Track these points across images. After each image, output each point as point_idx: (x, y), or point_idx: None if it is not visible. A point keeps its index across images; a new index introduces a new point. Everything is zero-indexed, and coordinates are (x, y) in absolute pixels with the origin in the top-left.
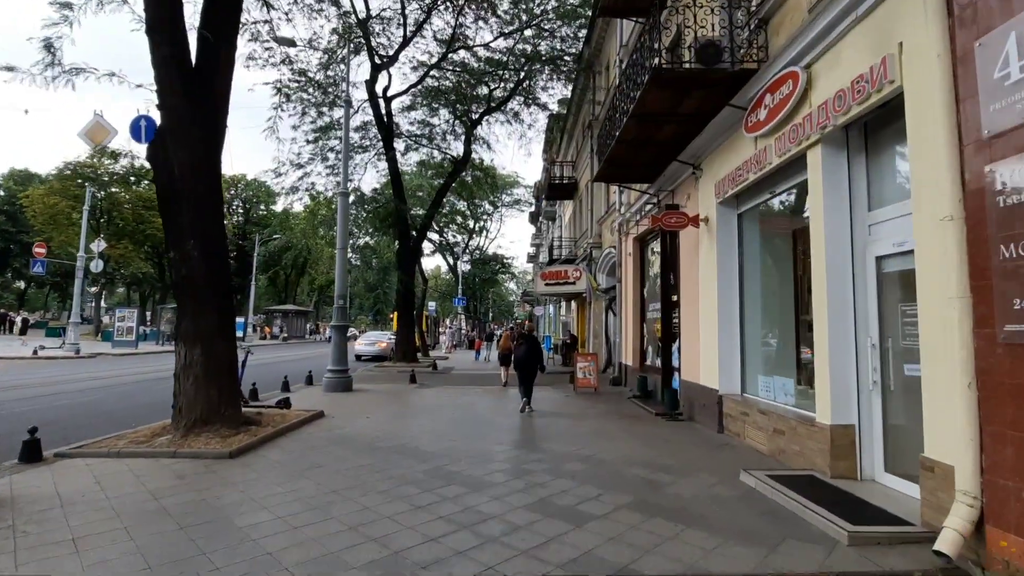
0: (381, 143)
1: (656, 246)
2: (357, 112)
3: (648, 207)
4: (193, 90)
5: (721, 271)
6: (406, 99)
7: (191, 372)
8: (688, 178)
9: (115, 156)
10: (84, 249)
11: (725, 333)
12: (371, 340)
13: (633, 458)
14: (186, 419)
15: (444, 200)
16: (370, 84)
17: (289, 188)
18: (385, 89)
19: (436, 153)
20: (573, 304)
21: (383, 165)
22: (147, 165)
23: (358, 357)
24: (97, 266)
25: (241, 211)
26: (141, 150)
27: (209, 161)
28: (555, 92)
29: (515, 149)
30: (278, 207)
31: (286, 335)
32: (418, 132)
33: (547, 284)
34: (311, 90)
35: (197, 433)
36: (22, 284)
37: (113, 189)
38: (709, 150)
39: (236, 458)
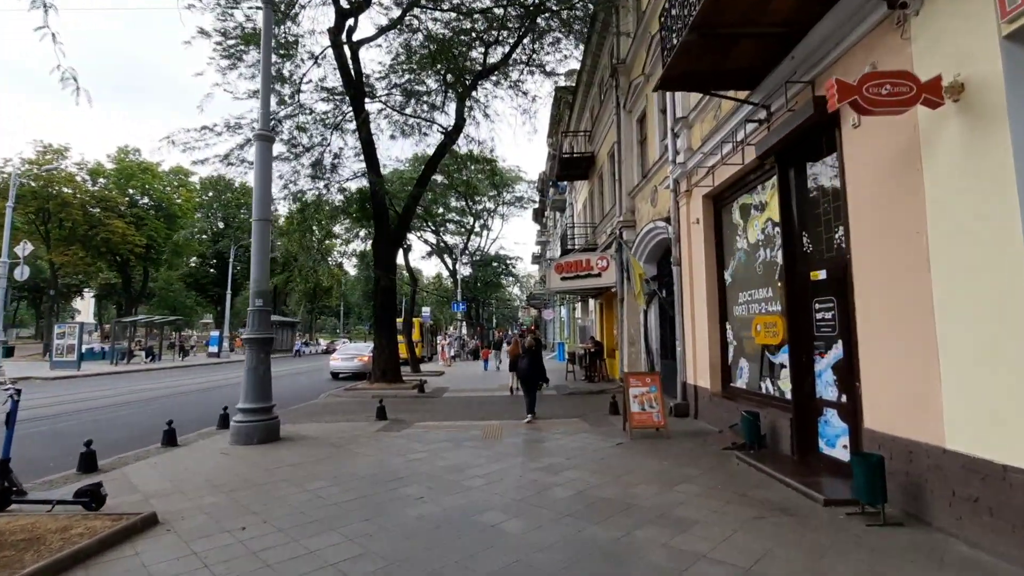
0: (350, 107)
1: (757, 196)
2: (318, 65)
3: (729, 145)
4: None
5: None
6: (382, 57)
7: None
8: (874, 31)
9: (60, 153)
10: (8, 254)
11: None
12: (349, 354)
13: None
14: None
15: (442, 200)
16: (334, 32)
17: (221, 158)
18: (350, 30)
19: (422, 128)
20: (592, 303)
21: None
22: (102, 161)
23: (334, 375)
24: (22, 273)
25: (220, 216)
26: (88, 148)
27: None
28: (566, 53)
29: (517, 126)
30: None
31: (299, 347)
32: (398, 95)
33: (563, 278)
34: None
35: None
36: None
37: (66, 189)
38: None
39: None
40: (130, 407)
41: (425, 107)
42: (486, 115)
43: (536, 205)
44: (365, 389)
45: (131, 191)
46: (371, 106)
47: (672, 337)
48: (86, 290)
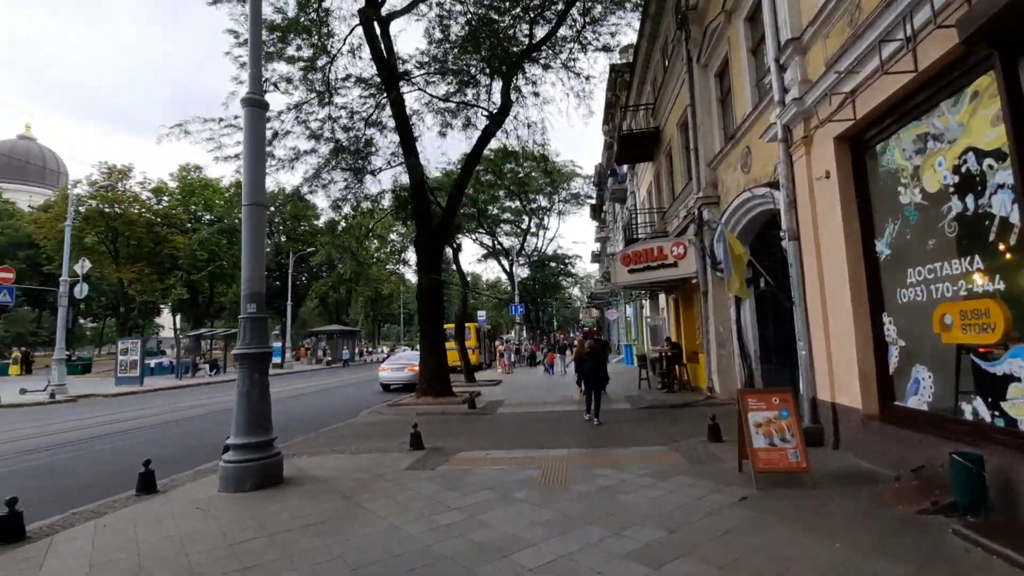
0: (384, 95)
1: (942, 118)
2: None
3: (877, 61)
4: None
5: None
6: (419, 41)
7: None
8: None
9: (124, 173)
10: (68, 272)
11: None
12: (399, 364)
13: None
14: None
15: (494, 198)
16: (365, 11)
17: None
18: (379, 4)
19: (466, 115)
20: (663, 299)
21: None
22: (165, 180)
23: (384, 387)
24: (81, 291)
25: (282, 229)
26: (152, 167)
27: None
28: (619, 24)
29: (571, 109)
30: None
31: (329, 359)
32: (438, 83)
33: (631, 271)
34: None
35: None
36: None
37: (134, 208)
38: None
39: None
40: (164, 428)
41: (468, 92)
42: (535, 94)
43: (593, 201)
44: (409, 404)
45: (193, 207)
46: (410, 96)
47: (776, 336)
48: (162, 306)
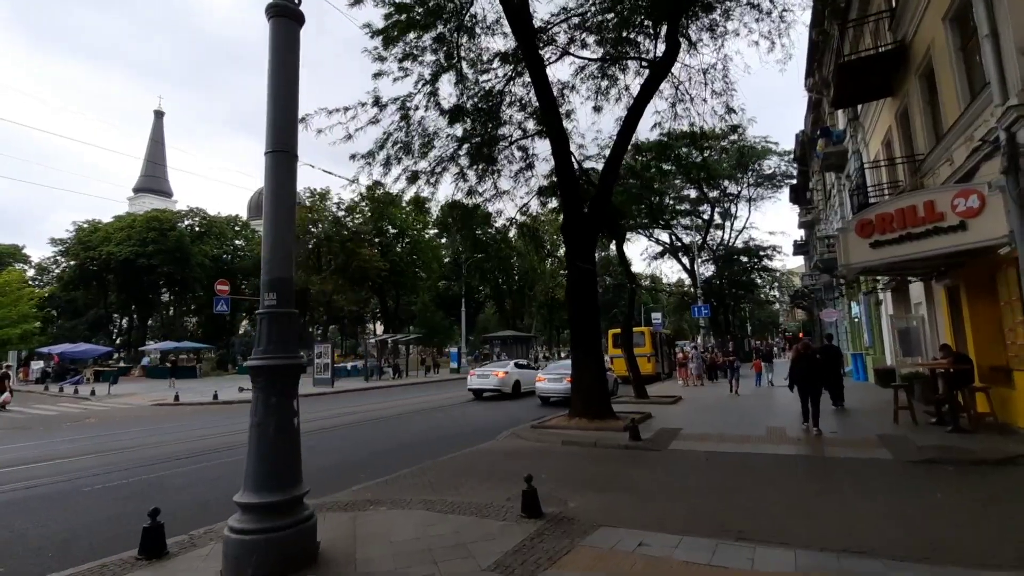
0: (523, 62)
1: None
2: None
3: None
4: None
5: None
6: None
7: None
8: None
9: (323, 197)
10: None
11: None
12: (557, 373)
13: None
14: None
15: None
16: None
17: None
18: None
19: (623, 76)
20: (918, 291)
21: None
22: (356, 199)
23: (544, 400)
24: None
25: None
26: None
27: None
28: None
29: (762, 54)
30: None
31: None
32: (587, 40)
33: (875, 243)
34: None
35: None
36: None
37: (334, 228)
38: None
39: None
40: (322, 435)
41: (625, 47)
42: (711, 30)
43: (794, 181)
44: (556, 428)
45: (380, 224)
46: (556, 67)
47: None
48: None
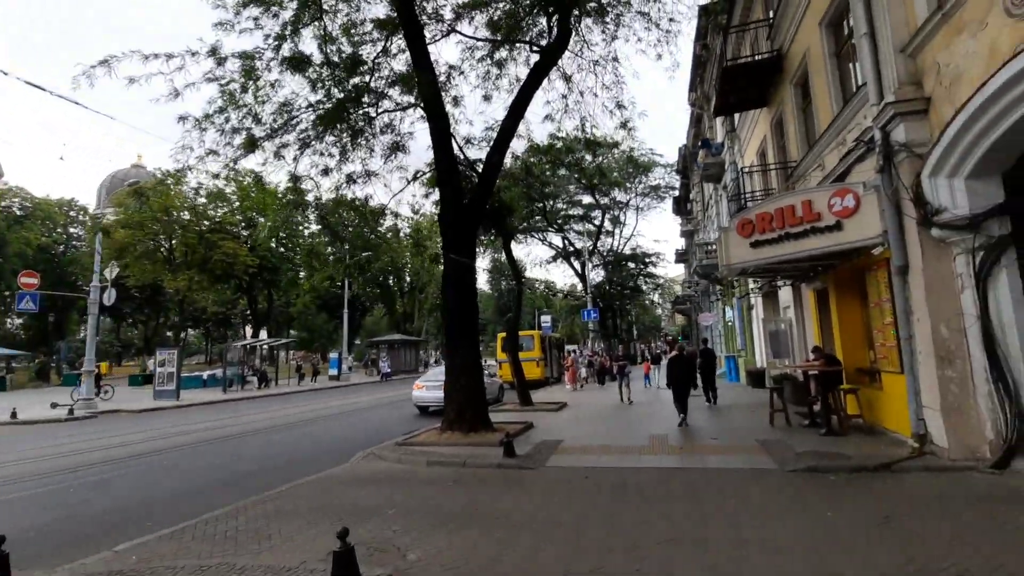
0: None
1: None
2: None
3: None
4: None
5: None
6: None
7: None
8: None
9: (177, 178)
10: (98, 277)
11: None
12: (436, 381)
13: None
14: None
15: (563, 190)
16: None
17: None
18: None
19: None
20: (787, 295)
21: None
22: (219, 184)
23: (421, 409)
24: (110, 297)
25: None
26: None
27: None
28: None
29: (651, 61)
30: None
31: (388, 371)
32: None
33: (756, 243)
34: None
35: None
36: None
37: (184, 214)
38: None
39: None
40: (155, 459)
41: (516, 33)
42: (602, 18)
43: (676, 192)
44: (425, 446)
45: (247, 212)
46: (444, 50)
47: None
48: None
